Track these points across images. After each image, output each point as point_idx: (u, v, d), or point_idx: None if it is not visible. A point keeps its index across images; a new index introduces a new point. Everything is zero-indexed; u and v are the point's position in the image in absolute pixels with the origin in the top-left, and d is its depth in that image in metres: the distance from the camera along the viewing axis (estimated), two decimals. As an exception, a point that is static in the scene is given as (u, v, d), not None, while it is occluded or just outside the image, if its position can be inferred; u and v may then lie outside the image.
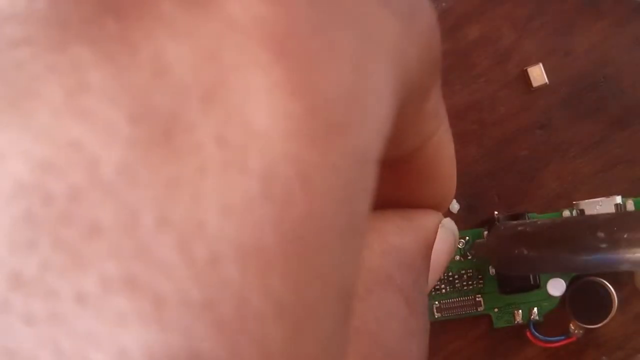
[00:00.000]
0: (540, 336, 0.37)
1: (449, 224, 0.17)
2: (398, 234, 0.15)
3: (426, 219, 0.16)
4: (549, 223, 0.32)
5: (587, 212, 0.36)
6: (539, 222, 0.32)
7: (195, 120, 0.07)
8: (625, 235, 0.29)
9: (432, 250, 0.16)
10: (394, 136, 0.13)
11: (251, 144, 0.08)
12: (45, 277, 0.07)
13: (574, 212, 0.37)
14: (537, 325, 0.38)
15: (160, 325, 0.07)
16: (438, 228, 0.16)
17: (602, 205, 0.36)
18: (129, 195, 0.07)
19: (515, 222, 0.33)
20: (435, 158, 0.14)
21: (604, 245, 0.29)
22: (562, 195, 0.38)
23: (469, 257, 0.38)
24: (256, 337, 0.07)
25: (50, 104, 0.07)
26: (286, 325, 0.08)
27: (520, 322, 0.37)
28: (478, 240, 0.37)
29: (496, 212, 0.37)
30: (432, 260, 0.16)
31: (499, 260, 0.34)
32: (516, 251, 0.32)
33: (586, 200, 0.36)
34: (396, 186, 0.15)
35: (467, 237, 0.38)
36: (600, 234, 0.29)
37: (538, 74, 0.38)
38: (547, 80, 0.38)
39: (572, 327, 0.37)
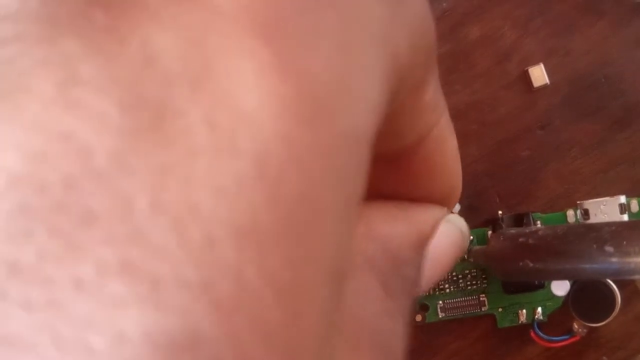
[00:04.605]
0: (545, 336, 0.37)
1: (455, 219, 0.17)
2: (388, 222, 0.15)
3: (425, 212, 0.16)
4: (551, 234, 0.32)
5: (591, 211, 0.36)
6: (540, 233, 0.32)
7: (184, 106, 0.08)
8: (636, 249, 0.29)
9: (426, 243, 0.16)
10: (393, 130, 0.13)
11: (241, 126, 0.08)
12: (42, 265, 0.07)
13: (578, 212, 0.37)
14: (540, 324, 0.38)
15: (157, 307, 0.07)
16: (438, 223, 0.16)
17: (606, 205, 0.36)
18: (122, 182, 0.07)
19: (514, 232, 0.33)
20: (436, 152, 0.14)
21: (614, 259, 0.29)
22: (563, 195, 0.38)
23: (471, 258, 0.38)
24: (255, 317, 0.07)
25: (41, 97, 0.07)
26: (284, 306, 0.08)
27: (524, 321, 0.37)
28: (475, 248, 0.37)
29: (500, 212, 0.37)
30: (433, 254, 0.16)
31: (501, 270, 0.34)
32: (521, 263, 0.32)
33: (590, 200, 0.36)
34: (399, 181, 0.15)
35: (472, 237, 0.38)
36: (609, 249, 0.29)
37: (539, 74, 0.38)
38: (547, 81, 0.38)
39: (576, 327, 0.37)
